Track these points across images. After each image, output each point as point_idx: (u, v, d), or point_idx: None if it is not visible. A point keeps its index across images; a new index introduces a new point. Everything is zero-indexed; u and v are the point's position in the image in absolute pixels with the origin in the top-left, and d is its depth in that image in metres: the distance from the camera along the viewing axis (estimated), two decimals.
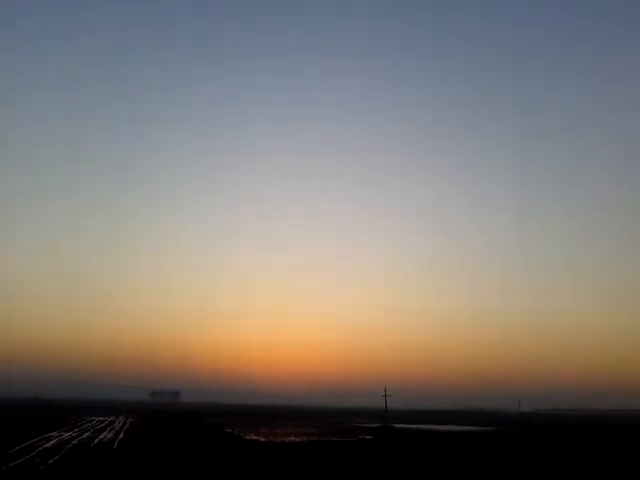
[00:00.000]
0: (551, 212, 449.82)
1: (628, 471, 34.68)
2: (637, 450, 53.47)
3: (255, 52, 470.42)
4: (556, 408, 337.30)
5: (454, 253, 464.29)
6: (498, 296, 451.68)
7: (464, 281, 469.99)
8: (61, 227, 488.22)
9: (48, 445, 44.78)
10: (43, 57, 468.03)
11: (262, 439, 66.16)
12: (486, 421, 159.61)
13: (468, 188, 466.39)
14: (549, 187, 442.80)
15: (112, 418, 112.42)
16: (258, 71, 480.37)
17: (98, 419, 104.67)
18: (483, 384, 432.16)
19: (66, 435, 57.78)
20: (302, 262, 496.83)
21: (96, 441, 51.08)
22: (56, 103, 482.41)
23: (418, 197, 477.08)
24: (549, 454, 46.86)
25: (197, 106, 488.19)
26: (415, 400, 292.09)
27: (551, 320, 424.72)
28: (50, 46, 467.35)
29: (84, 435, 59.26)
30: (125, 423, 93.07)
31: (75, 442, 48.93)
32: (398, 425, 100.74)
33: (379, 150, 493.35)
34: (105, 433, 64.21)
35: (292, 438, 69.95)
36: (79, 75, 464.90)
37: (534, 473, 32.66)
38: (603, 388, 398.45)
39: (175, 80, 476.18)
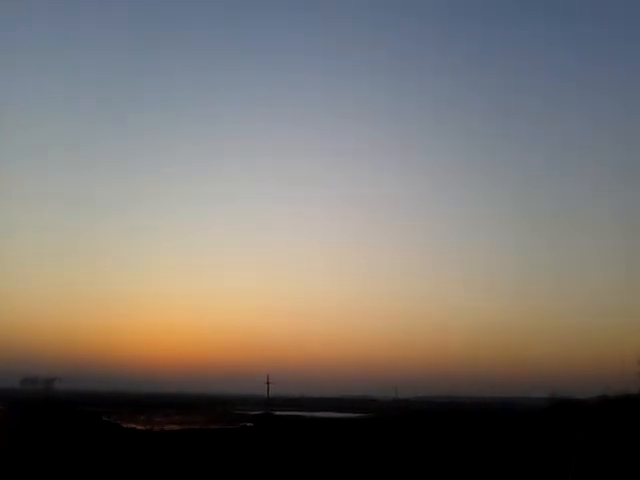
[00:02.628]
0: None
1: (473, 451, 38.90)
2: (489, 434, 59.50)
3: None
4: (433, 395, 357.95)
5: (341, 240, 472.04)
6: (378, 284, 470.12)
7: (347, 267, 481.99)
8: None
9: None
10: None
11: (141, 428, 65.59)
12: (365, 408, 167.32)
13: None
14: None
15: None
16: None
17: None
18: (363, 372, 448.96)
19: None
20: (188, 246, 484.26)
21: None
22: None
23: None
24: (411, 437, 50.99)
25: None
26: (299, 387, 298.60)
27: (429, 308, 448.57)
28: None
29: None
30: None
31: None
32: (279, 412, 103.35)
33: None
34: None
35: (173, 426, 69.89)
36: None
37: (395, 454, 35.78)
38: (480, 375, 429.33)
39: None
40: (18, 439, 42.38)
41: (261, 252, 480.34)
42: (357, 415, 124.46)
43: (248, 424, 76.40)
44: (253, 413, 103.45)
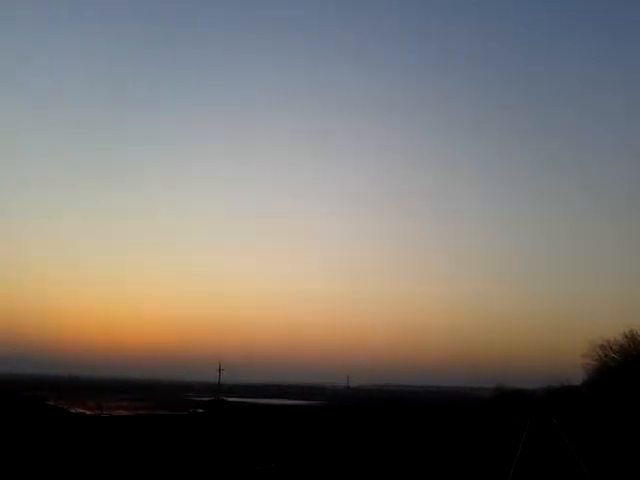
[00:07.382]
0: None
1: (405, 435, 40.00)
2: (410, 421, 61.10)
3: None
4: (385, 383, 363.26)
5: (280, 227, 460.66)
6: (332, 271, 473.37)
7: (300, 253, 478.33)
8: None
9: None
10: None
11: (89, 412, 64.27)
12: (316, 395, 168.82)
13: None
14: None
15: None
16: None
17: None
18: (316, 359, 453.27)
19: None
20: (140, 231, 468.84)
21: None
22: None
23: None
24: (361, 424, 51.85)
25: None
26: (252, 375, 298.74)
27: (383, 298, 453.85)
28: None
29: None
30: None
31: None
32: (231, 399, 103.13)
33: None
34: None
35: (122, 412, 68.79)
36: None
37: (344, 439, 36.30)
38: (431, 366, 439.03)
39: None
40: None
41: (223, 237, 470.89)
42: (309, 402, 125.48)
43: (199, 410, 75.86)
44: (204, 399, 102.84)
